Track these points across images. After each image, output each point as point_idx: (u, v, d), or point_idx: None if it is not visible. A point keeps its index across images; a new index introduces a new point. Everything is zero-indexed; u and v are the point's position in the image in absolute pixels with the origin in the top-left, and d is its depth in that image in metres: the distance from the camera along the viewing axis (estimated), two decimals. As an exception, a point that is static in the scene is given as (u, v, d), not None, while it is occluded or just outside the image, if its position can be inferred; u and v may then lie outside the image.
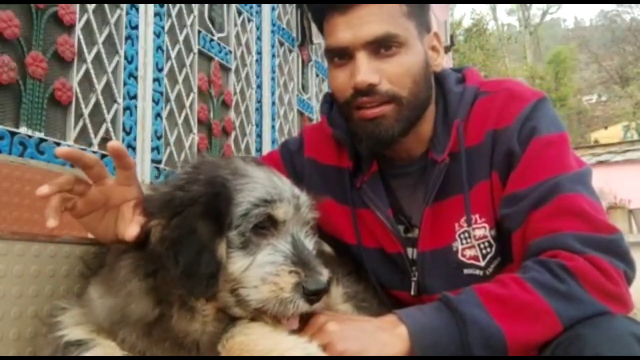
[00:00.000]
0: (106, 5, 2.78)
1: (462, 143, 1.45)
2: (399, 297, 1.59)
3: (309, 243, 1.20)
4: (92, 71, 2.67)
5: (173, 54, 3.28)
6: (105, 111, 2.74)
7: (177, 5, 3.36)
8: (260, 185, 1.15)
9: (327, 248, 1.53)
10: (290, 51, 4.77)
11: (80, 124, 2.59)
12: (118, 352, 1.14)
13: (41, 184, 1.10)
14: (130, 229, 1.11)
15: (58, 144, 2.41)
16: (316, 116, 4.96)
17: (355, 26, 1.38)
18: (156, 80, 3.08)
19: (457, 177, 1.45)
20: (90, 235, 1.29)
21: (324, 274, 1.12)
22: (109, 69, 2.77)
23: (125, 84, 2.85)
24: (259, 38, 4.26)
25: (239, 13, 4.04)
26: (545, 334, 1.18)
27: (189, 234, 1.07)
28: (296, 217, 1.18)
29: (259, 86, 4.21)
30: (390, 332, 1.19)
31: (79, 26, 2.60)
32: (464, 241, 1.45)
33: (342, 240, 1.62)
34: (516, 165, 1.37)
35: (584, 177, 1.35)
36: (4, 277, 1.25)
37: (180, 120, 3.32)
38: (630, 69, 30.02)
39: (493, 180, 1.42)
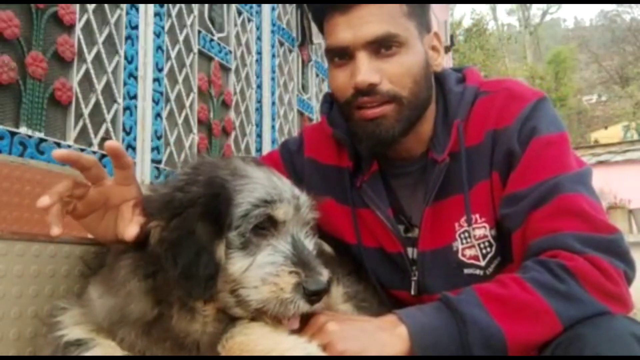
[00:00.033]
0: (106, 5, 2.78)
1: (462, 143, 1.45)
2: (399, 297, 1.59)
3: (309, 243, 1.20)
4: (92, 71, 2.66)
5: (173, 54, 3.28)
6: (105, 111, 2.74)
7: (177, 5, 3.35)
8: (260, 185, 1.15)
9: (327, 248, 1.54)
10: (290, 51, 4.77)
11: (80, 124, 2.59)
12: (118, 352, 1.14)
13: (41, 184, 1.10)
14: (130, 229, 1.12)
15: (58, 144, 2.41)
16: (316, 116, 4.96)
17: (356, 26, 1.38)
18: (156, 80, 3.08)
19: (457, 177, 1.45)
20: (90, 236, 1.29)
21: (324, 274, 1.12)
22: (109, 69, 2.77)
23: (125, 84, 2.85)
24: (259, 38, 4.26)
25: (239, 13, 4.03)
26: (545, 334, 1.18)
27: (187, 235, 1.06)
28: (296, 218, 1.18)
29: (259, 86, 4.21)
30: (390, 332, 1.19)
31: (79, 26, 2.59)
32: (464, 241, 1.45)
33: (342, 240, 1.62)
34: (516, 165, 1.37)
35: (584, 177, 1.35)
36: (4, 277, 1.25)
37: (180, 120, 3.32)
38: (630, 69, 30.02)
39: (493, 180, 1.42)
